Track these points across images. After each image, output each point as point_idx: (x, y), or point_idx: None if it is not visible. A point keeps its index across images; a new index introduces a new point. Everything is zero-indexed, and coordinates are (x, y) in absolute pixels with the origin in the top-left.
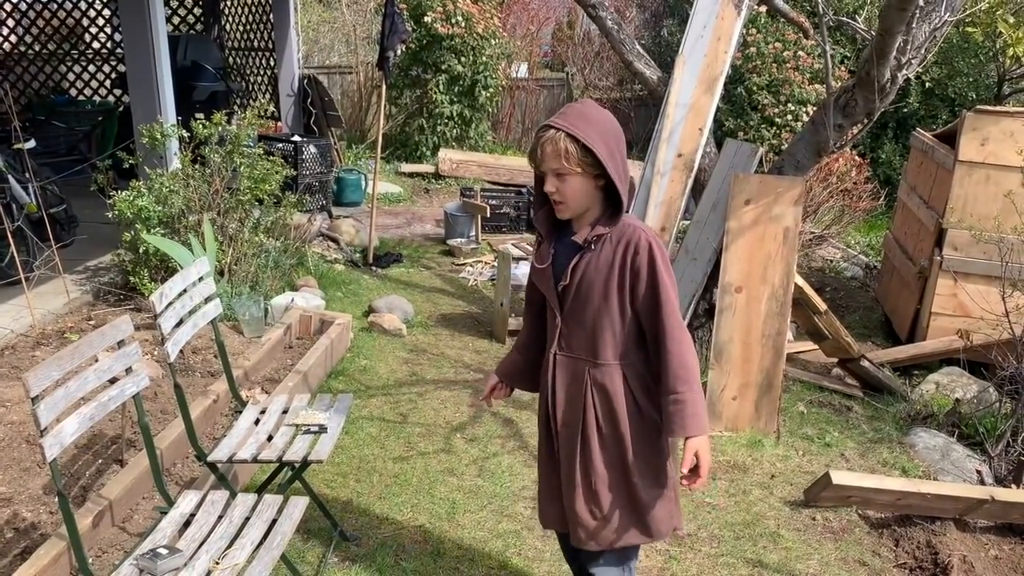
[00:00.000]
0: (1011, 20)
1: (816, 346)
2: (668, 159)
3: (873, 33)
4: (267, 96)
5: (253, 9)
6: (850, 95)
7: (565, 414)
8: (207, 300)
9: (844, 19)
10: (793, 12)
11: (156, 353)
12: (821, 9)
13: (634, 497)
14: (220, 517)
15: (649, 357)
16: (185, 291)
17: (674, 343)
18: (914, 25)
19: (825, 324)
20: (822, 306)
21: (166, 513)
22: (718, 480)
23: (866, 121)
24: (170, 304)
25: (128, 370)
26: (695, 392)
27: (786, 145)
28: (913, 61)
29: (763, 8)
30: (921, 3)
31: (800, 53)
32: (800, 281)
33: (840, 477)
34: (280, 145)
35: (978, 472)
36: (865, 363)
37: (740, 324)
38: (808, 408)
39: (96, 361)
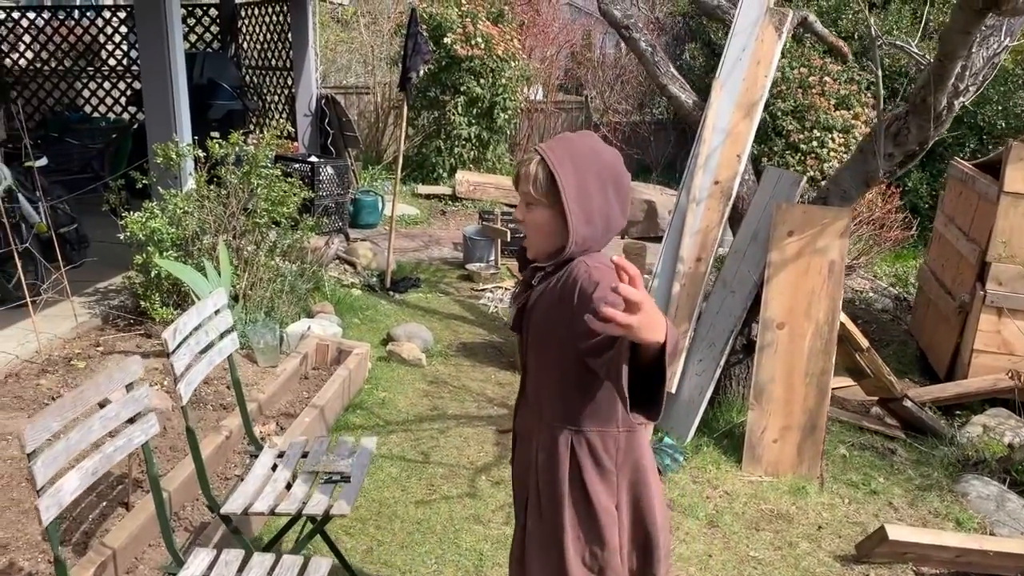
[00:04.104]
0: None
1: (853, 383)
2: (704, 186)
3: (929, 59)
4: (284, 115)
5: (271, 28)
6: (903, 123)
7: (516, 475)
8: (223, 335)
9: (899, 44)
10: (832, 36)
11: (166, 383)
12: (874, 32)
13: None
14: None
15: (607, 429)
16: (200, 325)
17: None
18: (973, 50)
19: (867, 362)
20: (864, 343)
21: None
22: (762, 531)
23: (918, 150)
24: (184, 340)
25: (136, 416)
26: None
27: (811, 172)
28: (971, 88)
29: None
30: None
31: (826, 79)
32: (843, 317)
33: (896, 532)
34: (297, 165)
35: None
36: (908, 403)
37: (782, 362)
38: (850, 451)
39: (102, 407)
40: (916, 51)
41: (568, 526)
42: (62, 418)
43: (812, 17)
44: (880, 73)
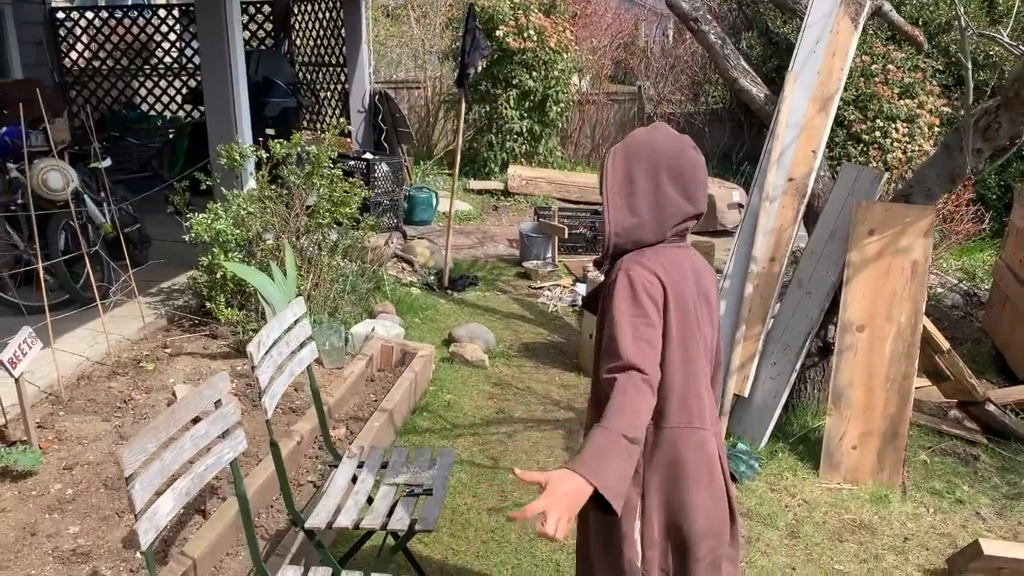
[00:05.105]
0: None
1: (928, 383)
2: (778, 183)
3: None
4: (338, 112)
5: (325, 24)
6: (993, 116)
7: None
8: (302, 345)
9: (990, 33)
10: (908, 25)
11: (234, 384)
12: (963, 23)
13: None
14: None
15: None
16: (281, 337)
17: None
18: None
19: (947, 364)
20: (945, 345)
21: None
22: (845, 543)
23: (1009, 145)
24: (267, 352)
25: (225, 433)
26: (600, 430)
27: (873, 163)
28: None
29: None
30: None
31: (889, 67)
32: (923, 318)
33: (992, 547)
34: (353, 163)
35: None
36: (990, 407)
37: (862, 366)
38: (931, 457)
39: (194, 423)
40: (1008, 41)
41: (590, 531)
42: (157, 439)
43: (887, 5)
44: (970, 65)
